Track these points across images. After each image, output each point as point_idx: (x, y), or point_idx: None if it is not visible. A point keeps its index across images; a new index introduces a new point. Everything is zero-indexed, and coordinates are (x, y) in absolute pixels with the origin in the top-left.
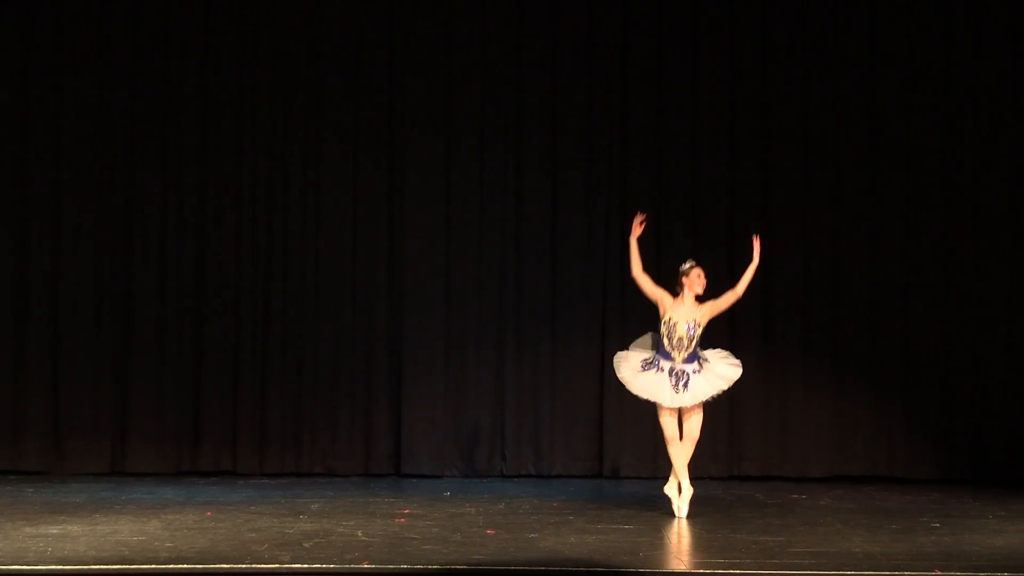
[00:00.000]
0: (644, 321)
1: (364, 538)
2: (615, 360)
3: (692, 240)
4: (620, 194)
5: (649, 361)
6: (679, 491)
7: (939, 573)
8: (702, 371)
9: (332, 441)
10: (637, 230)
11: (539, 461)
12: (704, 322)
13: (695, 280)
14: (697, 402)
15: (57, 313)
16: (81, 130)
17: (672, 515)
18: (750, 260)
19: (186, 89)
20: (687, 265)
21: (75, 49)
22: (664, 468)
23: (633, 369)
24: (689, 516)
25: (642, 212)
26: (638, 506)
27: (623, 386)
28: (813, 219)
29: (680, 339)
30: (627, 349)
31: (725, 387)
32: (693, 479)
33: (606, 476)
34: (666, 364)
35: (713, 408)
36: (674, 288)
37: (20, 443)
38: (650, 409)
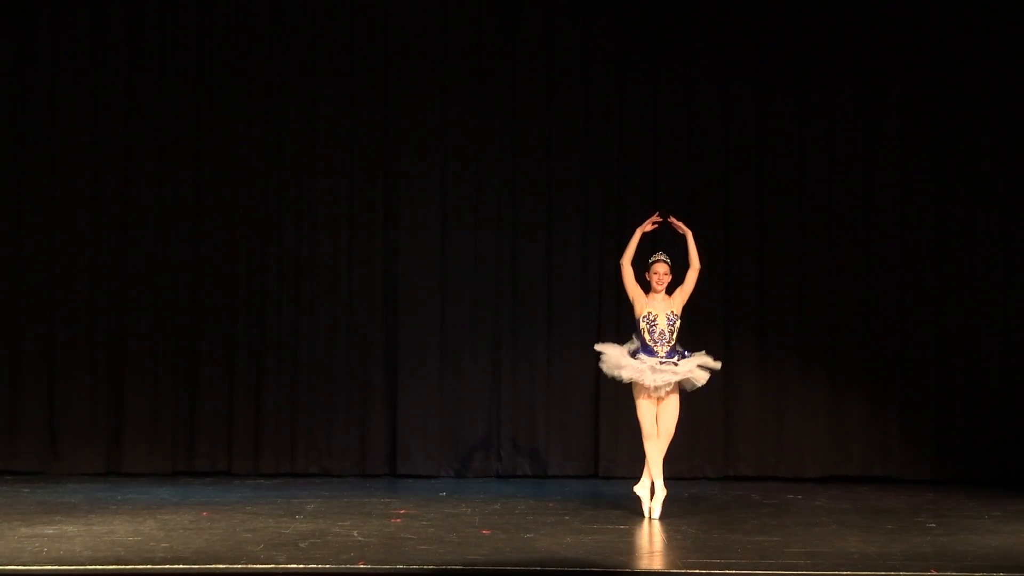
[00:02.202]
0: None
1: (360, 538)
2: (597, 348)
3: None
4: (616, 197)
5: (632, 353)
6: (652, 492)
7: (935, 573)
8: (686, 360)
9: (328, 441)
10: (647, 225)
11: (535, 462)
12: (680, 311)
13: (652, 277)
14: (679, 377)
15: (52, 313)
16: (77, 135)
17: (648, 515)
18: (684, 239)
19: (181, 103)
20: (652, 259)
21: (71, 62)
22: None
23: (618, 355)
24: (682, 517)
25: (661, 215)
26: (633, 506)
27: (614, 381)
28: (808, 221)
29: (662, 332)
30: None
31: (705, 375)
32: (688, 479)
33: (601, 476)
34: (649, 359)
35: (709, 408)
36: (645, 282)
37: (15, 443)
38: None
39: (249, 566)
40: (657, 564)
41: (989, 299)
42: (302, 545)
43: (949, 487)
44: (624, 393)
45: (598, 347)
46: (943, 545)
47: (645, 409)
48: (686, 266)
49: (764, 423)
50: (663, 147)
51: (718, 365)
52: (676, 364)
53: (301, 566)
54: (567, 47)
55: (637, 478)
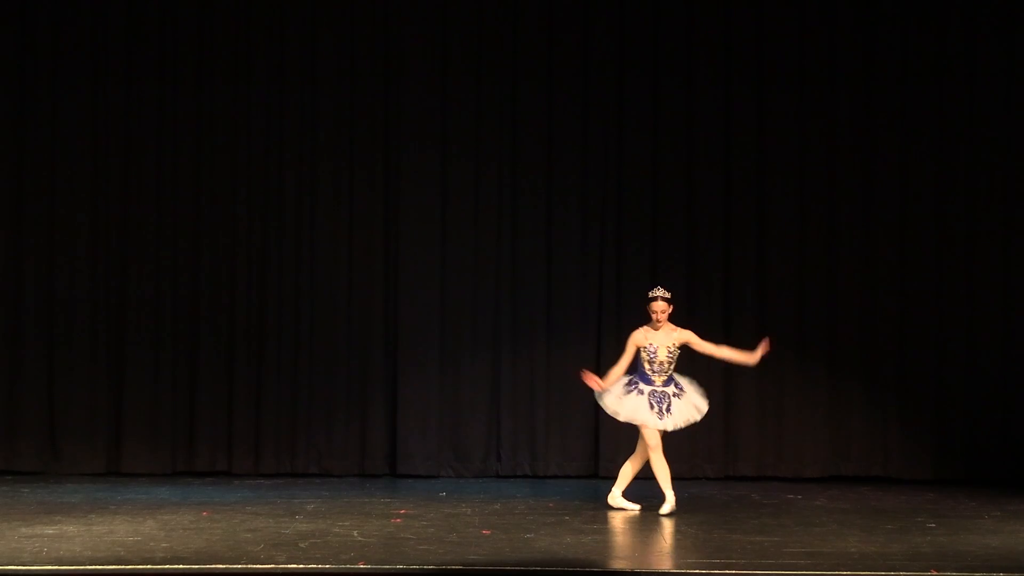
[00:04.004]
0: (639, 321)
1: (360, 538)
2: (596, 397)
3: (687, 240)
4: (616, 194)
5: (629, 382)
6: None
7: (935, 573)
8: (681, 396)
9: (328, 441)
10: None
11: (534, 461)
12: (678, 348)
13: (653, 314)
14: (678, 427)
15: (52, 313)
16: (77, 136)
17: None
18: (751, 349)
19: (181, 97)
20: (651, 295)
21: (71, 63)
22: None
23: (616, 396)
24: (682, 516)
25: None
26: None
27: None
28: (808, 221)
29: (661, 363)
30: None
31: (698, 418)
32: (688, 479)
33: (601, 476)
34: (646, 387)
35: (709, 408)
36: (646, 314)
37: (16, 443)
38: None
39: (249, 566)
40: (656, 564)
41: (989, 299)
42: (302, 545)
43: (949, 487)
44: None
45: (597, 393)
46: (943, 545)
47: (650, 432)
48: (718, 340)
49: (764, 423)
50: (663, 144)
51: (706, 407)
52: (674, 395)
53: (301, 566)
54: (568, 39)
55: (637, 478)
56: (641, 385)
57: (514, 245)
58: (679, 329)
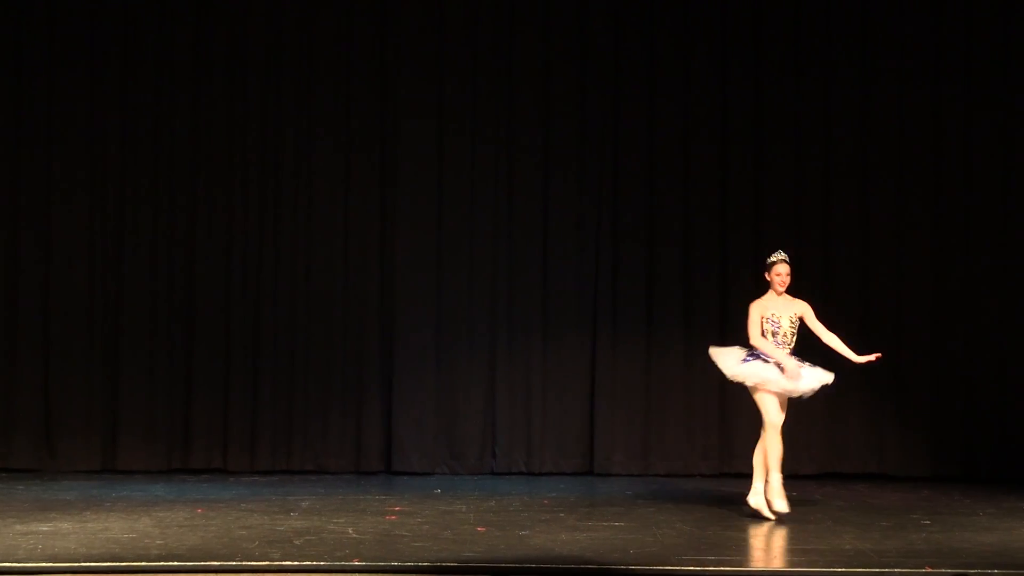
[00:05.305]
0: (635, 318)
1: (355, 535)
2: (712, 353)
3: (683, 235)
4: (612, 190)
5: (749, 354)
6: (765, 489)
7: (930, 570)
8: (804, 363)
9: (323, 438)
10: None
11: (530, 458)
12: (799, 318)
13: (774, 277)
14: (809, 389)
15: (48, 310)
16: (73, 130)
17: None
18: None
19: (177, 89)
20: (772, 259)
21: (66, 56)
22: (656, 465)
23: (736, 362)
24: (677, 513)
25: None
26: (629, 503)
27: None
28: (805, 218)
29: (785, 334)
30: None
31: (828, 380)
32: (684, 475)
33: (597, 473)
34: (779, 355)
35: (704, 405)
36: (763, 280)
37: (10, 440)
38: (639, 407)
39: (244, 563)
40: (652, 562)
41: (985, 296)
42: (297, 542)
43: (944, 484)
44: (620, 391)
45: (713, 350)
46: (938, 542)
47: (771, 401)
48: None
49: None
50: (658, 140)
51: (831, 377)
52: (798, 364)
53: (296, 563)
54: (564, 16)
55: (632, 475)
56: (764, 356)
57: (510, 244)
58: (798, 300)
